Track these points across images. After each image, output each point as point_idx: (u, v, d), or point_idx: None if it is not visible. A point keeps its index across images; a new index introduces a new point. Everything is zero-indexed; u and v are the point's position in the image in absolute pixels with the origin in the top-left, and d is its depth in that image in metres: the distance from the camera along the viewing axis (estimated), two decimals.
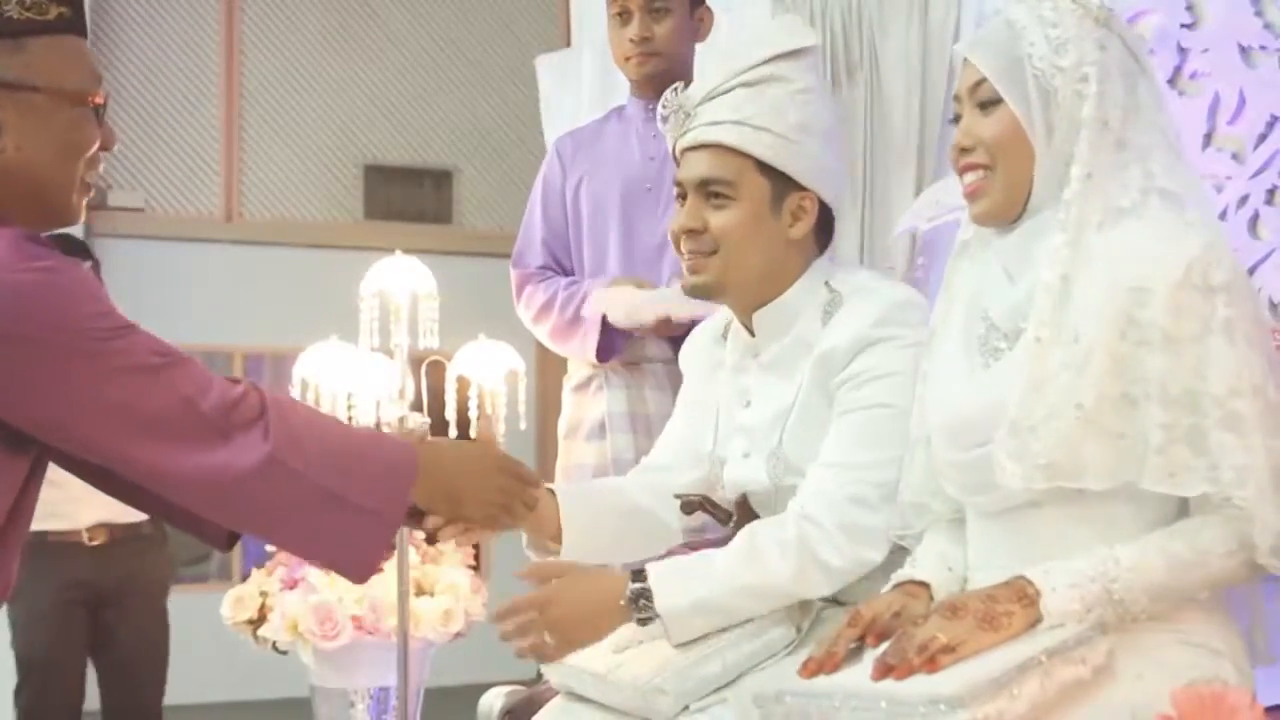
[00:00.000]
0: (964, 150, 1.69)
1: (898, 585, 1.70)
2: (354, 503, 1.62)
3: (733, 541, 1.85)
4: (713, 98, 1.93)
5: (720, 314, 2.09)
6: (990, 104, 1.66)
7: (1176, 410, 1.52)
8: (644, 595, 1.77)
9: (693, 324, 2.42)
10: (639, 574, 1.79)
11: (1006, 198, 1.67)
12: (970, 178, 1.69)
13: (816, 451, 1.86)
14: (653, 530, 2.03)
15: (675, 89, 1.98)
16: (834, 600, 1.84)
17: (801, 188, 1.92)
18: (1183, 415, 1.52)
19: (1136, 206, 1.61)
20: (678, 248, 1.98)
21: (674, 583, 1.78)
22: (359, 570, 1.69)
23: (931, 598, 1.66)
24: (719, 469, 2.00)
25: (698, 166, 1.94)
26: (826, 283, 1.95)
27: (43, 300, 1.45)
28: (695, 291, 1.97)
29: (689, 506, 2.00)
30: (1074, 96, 1.61)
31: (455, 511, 1.80)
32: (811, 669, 1.56)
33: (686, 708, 1.76)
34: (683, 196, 1.97)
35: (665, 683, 1.75)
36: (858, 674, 1.51)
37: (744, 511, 1.96)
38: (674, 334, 2.64)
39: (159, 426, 1.52)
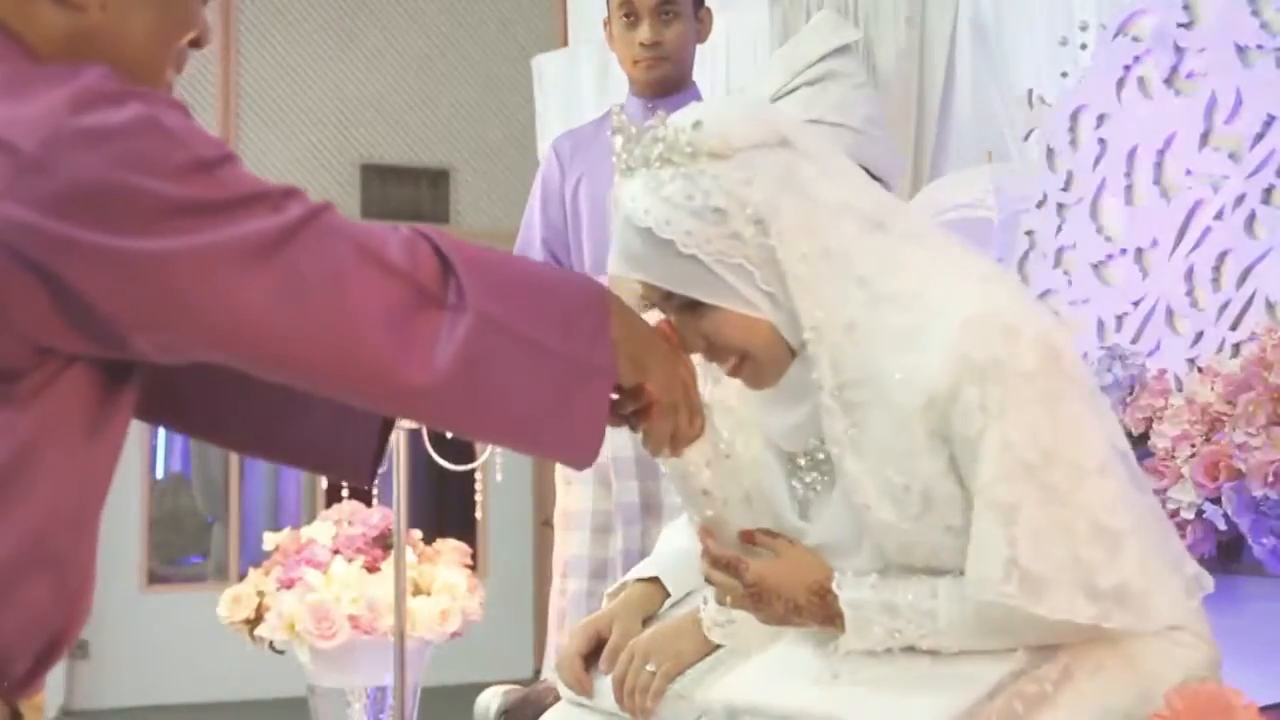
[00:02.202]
0: (711, 353, 1.47)
1: None
2: (565, 354, 1.26)
3: None
4: (779, 97, 1.96)
5: None
6: (695, 309, 1.43)
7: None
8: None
9: None
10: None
11: (776, 369, 1.47)
12: (730, 371, 1.49)
13: None
14: None
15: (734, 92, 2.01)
16: None
17: (875, 178, 1.95)
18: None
19: (868, 322, 1.42)
20: None
21: None
22: (586, 445, 1.29)
23: None
24: None
25: None
26: None
27: (162, 141, 1.12)
28: None
29: None
30: (763, 250, 1.39)
31: (639, 376, 1.36)
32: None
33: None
34: None
35: (685, 689, 1.75)
36: (827, 695, 1.47)
37: None
38: None
39: (338, 298, 1.15)
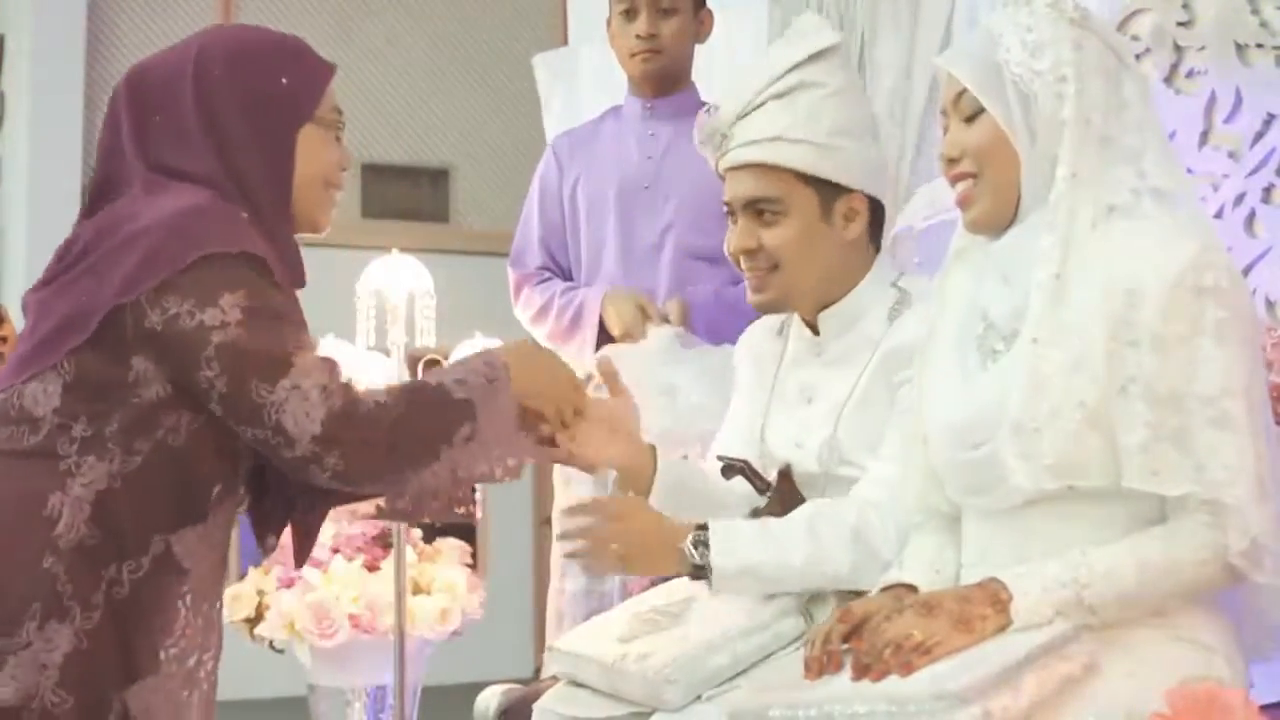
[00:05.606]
0: (951, 161, 1.70)
1: (886, 588, 1.70)
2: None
3: (794, 515, 1.86)
4: (746, 115, 1.94)
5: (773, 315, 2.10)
6: (973, 114, 1.66)
7: (1162, 409, 1.51)
8: (702, 543, 1.80)
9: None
10: (701, 527, 1.82)
11: (996, 204, 1.67)
12: (960, 187, 1.70)
13: (870, 442, 1.88)
14: (730, 507, 2.04)
15: (707, 110, 1.99)
16: (852, 592, 1.84)
17: (849, 190, 1.95)
18: (1169, 415, 1.51)
19: (1129, 206, 1.60)
20: (738, 265, 2.00)
21: (732, 541, 1.81)
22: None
23: None
24: (770, 456, 2.00)
25: (742, 186, 1.95)
26: (895, 283, 1.98)
27: None
28: (761, 308, 2.01)
29: (729, 470, 2.00)
30: (1054, 98, 1.61)
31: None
32: (816, 670, 1.56)
33: (698, 697, 1.77)
34: (733, 215, 1.98)
35: (675, 673, 1.76)
36: (846, 679, 1.50)
37: (784, 483, 1.96)
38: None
39: None
